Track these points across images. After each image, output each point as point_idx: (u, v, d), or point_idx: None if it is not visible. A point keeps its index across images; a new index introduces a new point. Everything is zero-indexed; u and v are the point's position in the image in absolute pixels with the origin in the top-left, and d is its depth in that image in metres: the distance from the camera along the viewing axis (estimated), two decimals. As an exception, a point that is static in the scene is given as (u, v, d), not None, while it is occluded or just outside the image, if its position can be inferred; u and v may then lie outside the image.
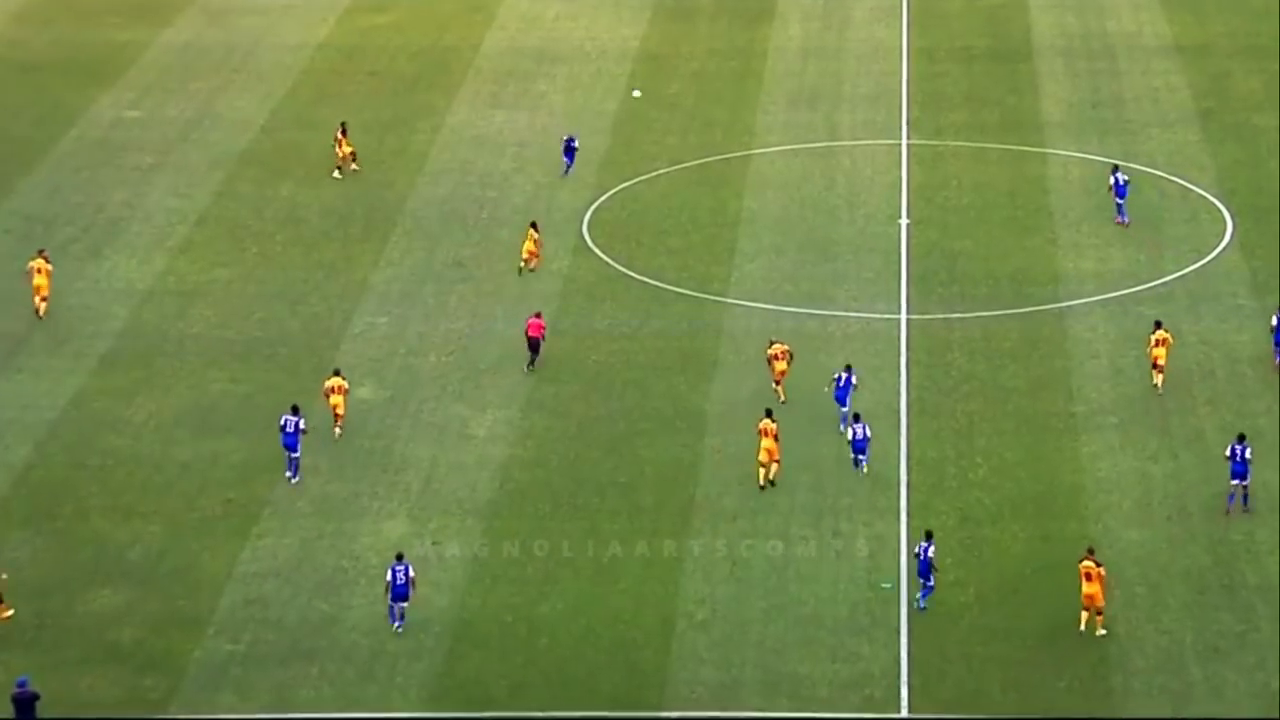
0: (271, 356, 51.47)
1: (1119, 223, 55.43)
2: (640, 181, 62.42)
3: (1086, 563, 39.15)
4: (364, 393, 49.28)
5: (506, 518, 43.89)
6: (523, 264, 55.42)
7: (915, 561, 40.14)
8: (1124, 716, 36.88)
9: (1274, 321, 47.37)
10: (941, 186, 61.18)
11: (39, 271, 52.94)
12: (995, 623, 39.70)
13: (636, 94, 69.20)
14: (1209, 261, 54.95)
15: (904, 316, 52.61)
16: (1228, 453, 43.37)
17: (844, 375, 47.15)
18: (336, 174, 62.43)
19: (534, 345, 49.89)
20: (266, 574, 41.92)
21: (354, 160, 62.58)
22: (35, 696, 36.45)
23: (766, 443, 44.27)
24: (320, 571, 42.02)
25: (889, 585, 40.85)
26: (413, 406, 48.80)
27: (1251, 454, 42.99)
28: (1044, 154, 63.24)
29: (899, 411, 47.61)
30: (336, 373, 47.65)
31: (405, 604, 39.55)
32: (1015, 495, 43.98)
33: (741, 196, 61.11)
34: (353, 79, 71.79)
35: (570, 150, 62.20)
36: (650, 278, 55.62)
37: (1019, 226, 57.96)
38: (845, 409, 46.45)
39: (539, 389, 49.44)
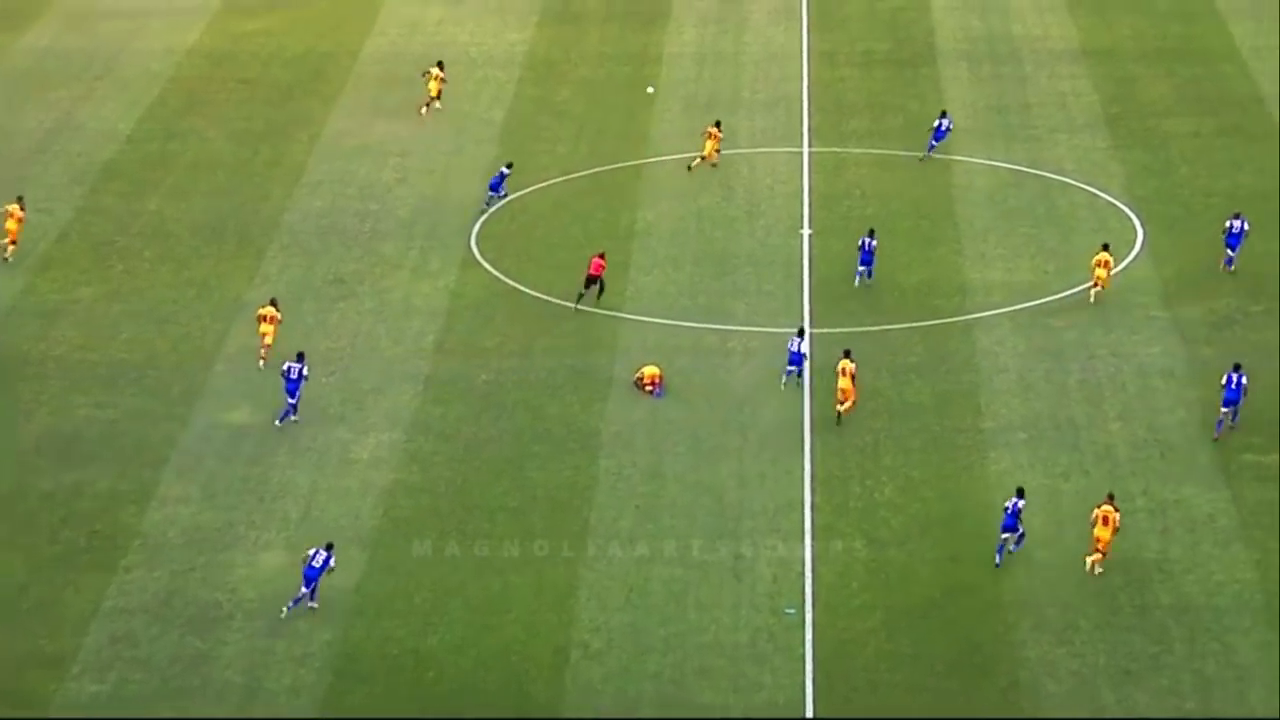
0: (139, 380, 50.91)
1: (1226, 270, 54.88)
2: (530, 193, 62.42)
3: (1105, 507, 41.30)
4: (239, 416, 48.85)
5: (391, 546, 43.64)
6: (702, 161, 60.91)
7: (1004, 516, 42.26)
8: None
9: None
10: (844, 195, 61.67)
11: (10, 216, 52.71)
12: (903, 648, 39.97)
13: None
14: (1119, 272, 55.70)
15: (807, 330, 52.91)
16: (1223, 380, 46.45)
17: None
18: (424, 110, 66.98)
19: (593, 281, 53.36)
20: (134, 609, 41.41)
21: (438, 99, 67.25)
22: None
23: (843, 382, 47.42)
24: (192, 606, 41.56)
25: (793, 611, 41.03)
26: (291, 430, 48.42)
27: (1247, 382, 46.19)
28: (949, 161, 63.90)
29: (802, 430, 47.87)
30: (272, 302, 50.91)
31: (306, 592, 40.41)
32: (923, 515, 44.34)
33: (636, 208, 61.26)
34: (224, 87, 71.27)
35: (500, 180, 61.20)
36: (542, 293, 55.58)
37: (924, 236, 58.50)
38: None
39: (425, 410, 49.27)
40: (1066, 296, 54.27)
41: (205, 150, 65.84)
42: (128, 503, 45.05)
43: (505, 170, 61.49)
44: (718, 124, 63.30)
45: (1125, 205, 60.06)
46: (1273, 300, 53.55)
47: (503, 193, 61.04)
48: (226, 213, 60.97)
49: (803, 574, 42.25)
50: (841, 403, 47.78)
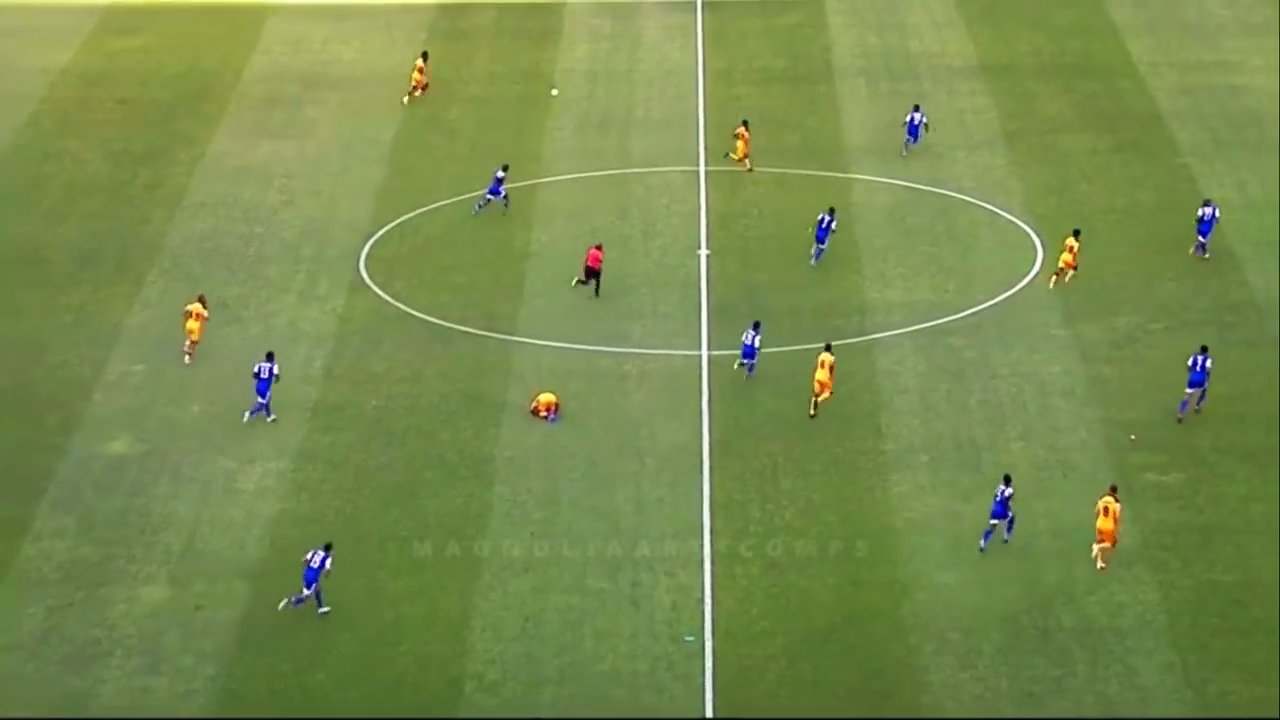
0: (13, 409, 50.24)
1: (1198, 256, 56.97)
2: (421, 214, 62.27)
3: (1107, 498, 42.72)
4: (118, 446, 48.34)
5: (278, 577, 43.28)
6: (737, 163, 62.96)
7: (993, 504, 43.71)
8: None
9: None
10: (741, 215, 61.98)
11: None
12: (805, 675, 40.12)
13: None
14: (1019, 290, 56.35)
15: (704, 353, 53.11)
16: (1189, 362, 48.64)
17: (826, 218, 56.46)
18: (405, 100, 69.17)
19: (591, 273, 55.25)
20: (9, 647, 40.80)
21: (423, 90, 69.66)
22: None
23: (821, 374, 48.99)
24: (69, 643, 41.02)
25: (692, 639, 41.09)
26: (173, 460, 47.97)
27: (1212, 364, 48.31)
28: (848, 179, 64.41)
29: (701, 454, 48.00)
30: (200, 299, 52.71)
31: (308, 593, 41.30)
32: (824, 539, 44.56)
33: (530, 228, 61.27)
34: (101, 107, 70.60)
35: (498, 183, 61.59)
36: (433, 316, 55.43)
37: (823, 257, 58.83)
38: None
39: (313, 438, 48.96)
40: (967, 315, 54.79)
41: (82, 172, 65.19)
42: (2, 536, 44.39)
43: (501, 174, 61.87)
44: (745, 124, 64.46)
45: (1025, 223, 60.76)
46: (1172, 318, 54.33)
47: (503, 194, 61.49)
48: (105, 236, 60.38)
49: (702, 601, 42.33)
50: (817, 395, 49.14)
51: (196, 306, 52.75)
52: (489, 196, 61.56)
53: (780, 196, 63.33)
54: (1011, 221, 60.98)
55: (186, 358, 52.14)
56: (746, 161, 64.12)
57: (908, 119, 65.83)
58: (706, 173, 65.25)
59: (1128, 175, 64.12)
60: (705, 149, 67.07)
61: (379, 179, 64.82)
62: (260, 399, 49.37)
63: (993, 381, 51.20)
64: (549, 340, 53.99)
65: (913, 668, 40.29)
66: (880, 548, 44.18)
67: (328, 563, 41.92)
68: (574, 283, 56.10)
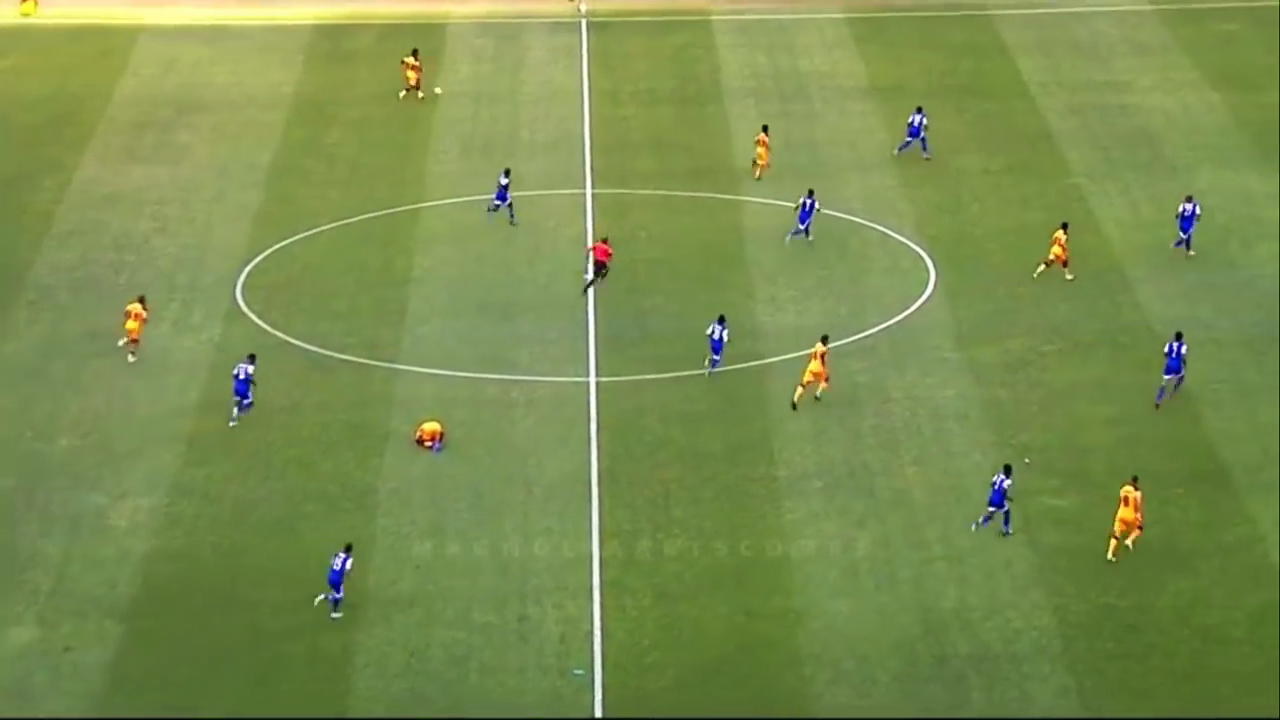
0: (-126, 445, 49.55)
1: (1179, 248, 59.76)
2: (299, 240, 62.00)
3: (1126, 487, 44.41)
4: (-16, 483, 47.77)
5: (152, 617, 42.87)
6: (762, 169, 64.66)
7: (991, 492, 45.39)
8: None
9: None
10: (630, 238, 62.15)
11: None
12: (697, 706, 40.21)
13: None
14: (912, 313, 56.90)
15: (593, 379, 53.22)
16: (1165, 349, 50.74)
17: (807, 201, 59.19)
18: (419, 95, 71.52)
19: (600, 267, 56.67)
20: None
21: (418, 89, 71.89)
22: None
23: (814, 364, 50.53)
24: (-66, 688, 40.43)
25: (581, 672, 41.09)
26: (41, 497, 47.40)
27: (1186, 351, 50.58)
28: (737, 201, 64.82)
29: (589, 482, 48.06)
30: (140, 300, 54.05)
31: (338, 595, 42.52)
32: (715, 568, 44.71)
33: (412, 253, 61.15)
34: (-37, 130, 69.90)
35: (503, 190, 62.46)
36: (313, 344, 55.17)
37: (713, 280, 59.18)
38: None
39: (187, 472, 48.55)
40: (859, 339, 55.24)
41: (-56, 199, 64.47)
42: None
43: (504, 180, 62.27)
44: (765, 129, 66.15)
45: (917, 245, 61.37)
46: (1066, 340, 55.04)
47: (509, 200, 62.06)
48: (-31, 265, 59.68)
49: (591, 633, 42.35)
50: (806, 384, 50.84)
51: (136, 307, 53.96)
52: (497, 202, 62.41)
53: (669, 219, 63.60)
54: (903, 243, 61.58)
55: (130, 357, 53.38)
56: (757, 169, 65.55)
57: (910, 120, 67.25)
58: (593, 195, 65.43)
59: (1019, 195, 64.95)
60: (591, 171, 67.28)
61: (256, 204, 64.48)
62: (244, 399, 50.59)
63: (886, 405, 51.64)
64: (433, 368, 53.88)
65: (807, 697, 40.50)
66: (773, 576, 44.40)
67: (348, 564, 42.83)
68: (584, 290, 57.06)
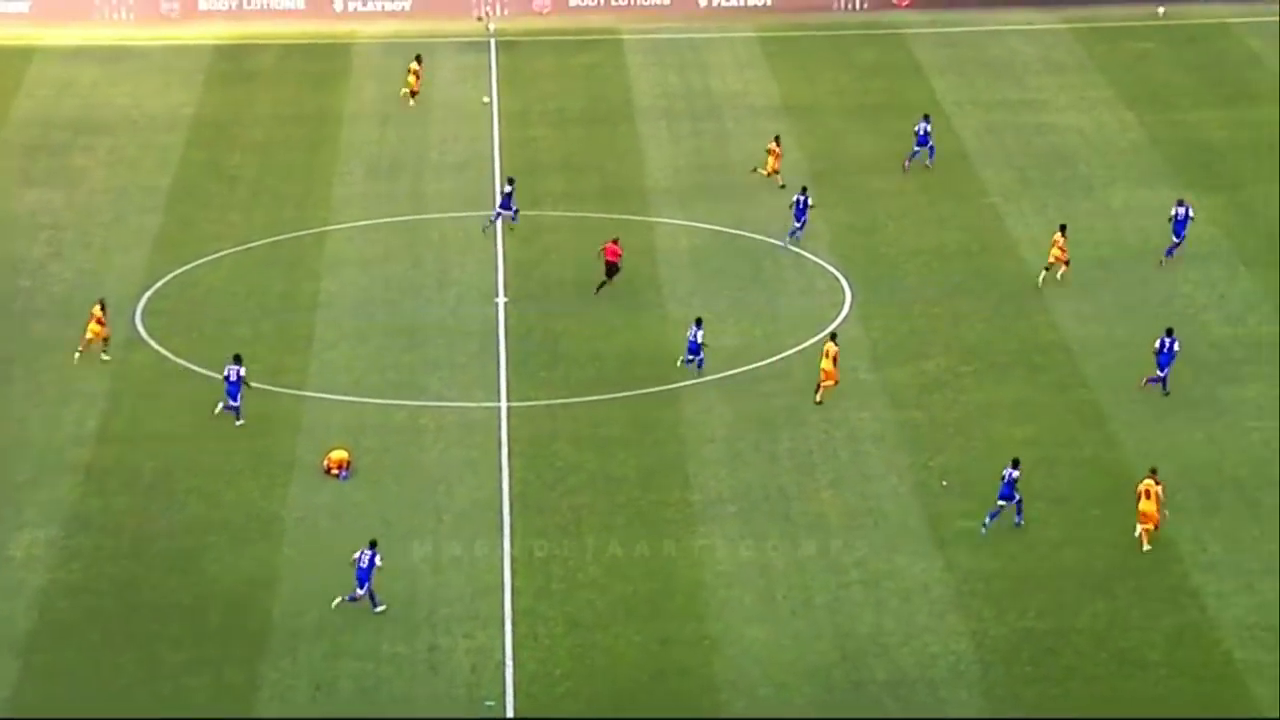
0: None
1: (1168, 258, 61.01)
2: (201, 265, 61.73)
3: (1147, 481, 45.54)
4: (-125, 516, 47.22)
5: (49, 651, 42.50)
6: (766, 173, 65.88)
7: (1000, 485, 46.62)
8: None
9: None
10: (540, 261, 62.30)
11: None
12: (611, 736, 40.34)
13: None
14: (827, 335, 57.15)
15: (503, 404, 53.25)
16: (1156, 345, 52.54)
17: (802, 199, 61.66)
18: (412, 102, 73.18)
19: (612, 268, 58.25)
20: None
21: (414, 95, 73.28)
22: None
23: (825, 364, 52.27)
24: None
25: (492, 704, 41.08)
26: (-66, 529, 47.01)
27: (1179, 347, 52.31)
28: (650, 222, 65.07)
29: (500, 509, 48.08)
30: (102, 306, 54.95)
31: (361, 592, 43.34)
32: (629, 595, 44.81)
33: (318, 277, 61.03)
34: None
35: (507, 199, 63.00)
36: (215, 371, 54.85)
37: (626, 302, 59.36)
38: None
39: (86, 503, 48.21)
40: (775, 361, 55.54)
41: None
42: None
43: (509, 188, 62.89)
44: (777, 139, 67.18)
45: (831, 265, 61.80)
46: (982, 361, 55.56)
47: (513, 209, 62.72)
48: None
49: (503, 663, 42.35)
50: (822, 382, 52.42)
51: (96, 310, 55.01)
52: (499, 211, 62.92)
53: (580, 241, 63.74)
54: (818, 264, 61.99)
55: (76, 355, 54.53)
56: (777, 176, 66.43)
57: (917, 129, 68.20)
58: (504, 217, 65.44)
59: (934, 215, 65.53)
60: (501, 193, 67.30)
61: (155, 228, 64.19)
62: (233, 401, 51.38)
63: (801, 429, 51.95)
64: (340, 394, 53.76)
65: (723, 726, 40.69)
66: (688, 602, 44.53)
67: (377, 559, 43.44)
68: (596, 290, 58.58)
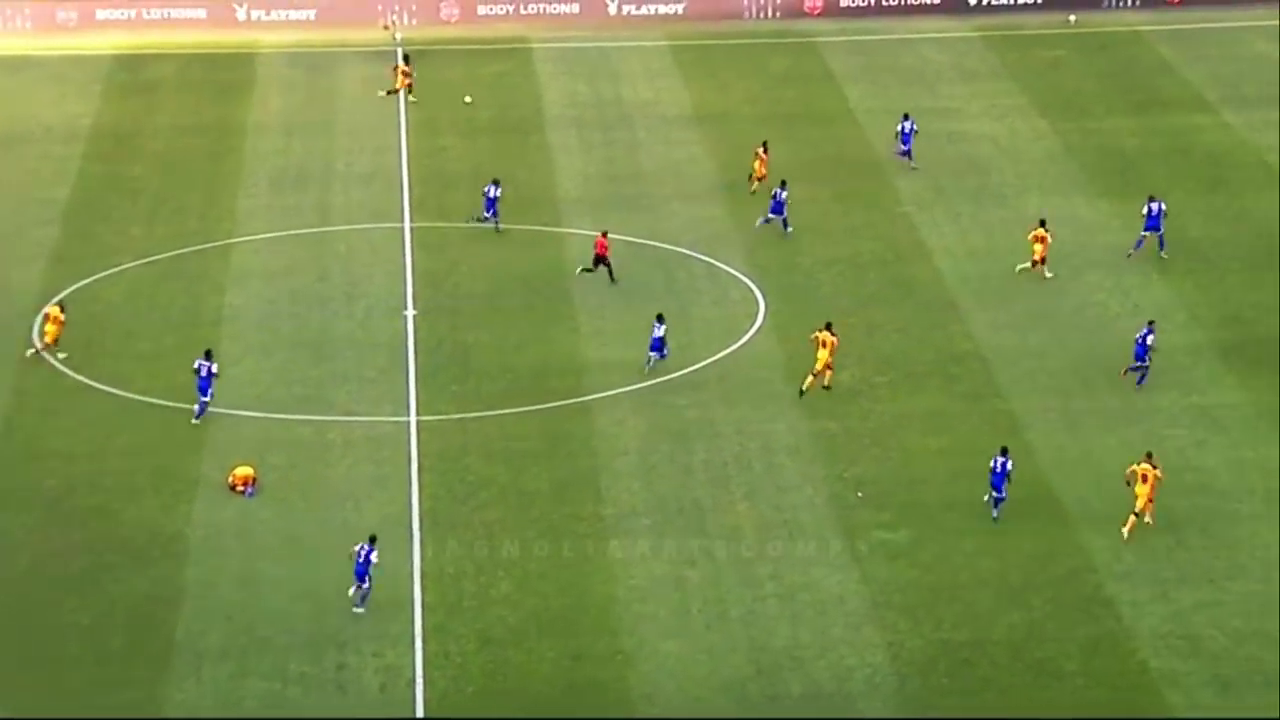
0: None
1: (1138, 249, 62.33)
2: (100, 279, 61.25)
3: (1144, 465, 46.81)
4: None
5: (-54, 676, 42.14)
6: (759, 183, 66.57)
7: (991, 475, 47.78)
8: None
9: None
10: (450, 273, 62.20)
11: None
12: (524, 754, 40.31)
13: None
14: (741, 346, 57.46)
15: (413, 418, 53.11)
16: (1137, 337, 54.14)
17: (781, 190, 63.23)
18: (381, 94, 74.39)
19: (600, 260, 59.79)
20: None
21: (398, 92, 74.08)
22: None
23: (822, 354, 53.14)
24: None
25: (403, 722, 41.00)
26: None
27: (1154, 340, 54.05)
28: (560, 234, 65.10)
29: (410, 525, 47.94)
30: (60, 306, 55.83)
31: (364, 585, 44.04)
32: (542, 611, 44.77)
33: (223, 291, 60.70)
34: None
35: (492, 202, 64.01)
36: (116, 387, 54.51)
37: (538, 314, 59.36)
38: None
39: (-16, 523, 47.80)
40: (688, 373, 55.66)
41: None
42: None
43: (495, 192, 63.83)
44: (765, 145, 67.68)
45: (746, 276, 62.00)
46: (898, 371, 55.87)
47: (494, 213, 63.84)
48: None
49: (413, 681, 42.20)
50: (818, 374, 53.50)
51: (54, 310, 56.06)
52: (486, 215, 63.80)
53: (491, 252, 63.70)
54: (732, 274, 62.18)
55: (29, 351, 55.48)
56: (754, 182, 67.03)
57: (899, 129, 69.29)
58: (412, 229, 65.36)
59: (848, 224, 65.88)
60: (410, 205, 67.22)
61: (52, 242, 63.67)
62: (203, 397, 52.10)
63: (716, 441, 52.07)
64: (245, 410, 53.46)
65: (637, 742, 40.73)
66: (602, 617, 44.55)
67: (374, 555, 44.11)
68: (579, 270, 60.42)
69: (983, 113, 75.86)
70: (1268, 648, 43.28)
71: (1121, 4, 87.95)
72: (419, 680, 42.23)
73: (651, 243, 64.01)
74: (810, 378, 53.75)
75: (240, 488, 49.12)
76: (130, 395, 54.09)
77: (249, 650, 43.16)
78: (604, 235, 60.85)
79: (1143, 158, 71.59)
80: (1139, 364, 54.23)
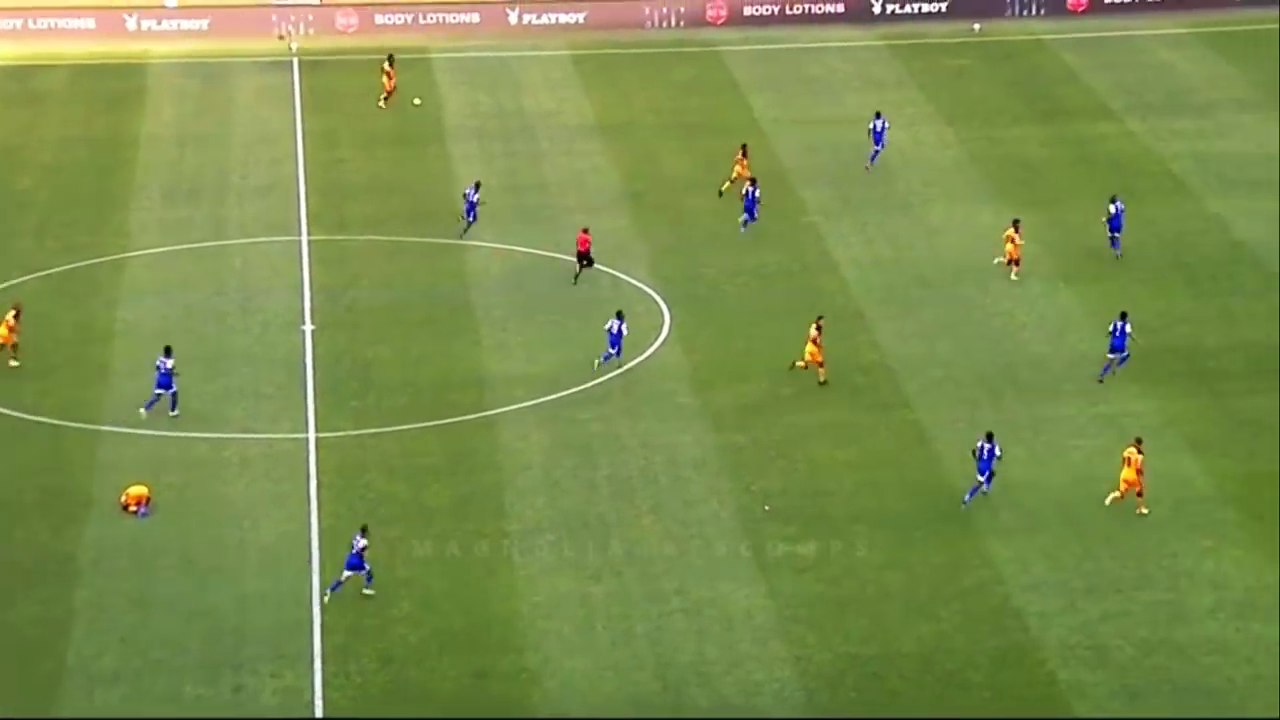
0: None
1: (1116, 254, 63.71)
2: (-12, 294, 60.72)
3: (1130, 449, 48.19)
4: None
5: None
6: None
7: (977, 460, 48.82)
8: None
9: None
10: (349, 286, 61.97)
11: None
12: (427, 776, 40.15)
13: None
14: (646, 358, 57.51)
15: (311, 435, 52.86)
16: (1110, 328, 55.20)
17: None
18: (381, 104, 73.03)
19: (583, 258, 61.15)
20: None
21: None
22: None
23: (810, 347, 55.05)
24: None
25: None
26: None
27: (1132, 329, 54.85)
28: (461, 246, 64.97)
29: (308, 543, 47.67)
30: (16, 313, 55.82)
31: (350, 574, 45.16)
32: (444, 629, 44.63)
33: (115, 306, 60.24)
34: None
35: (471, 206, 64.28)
36: (4, 406, 53.94)
37: (439, 328, 59.24)
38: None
39: None
40: (592, 386, 55.66)
41: None
42: None
43: (474, 196, 64.30)
44: (744, 149, 67.95)
45: (650, 287, 62.09)
46: (802, 384, 56.04)
47: (473, 215, 64.21)
48: None
49: (312, 702, 41.95)
50: (806, 364, 55.27)
51: (9, 316, 55.90)
52: (469, 220, 64.29)
53: (391, 265, 63.52)
54: (636, 286, 62.26)
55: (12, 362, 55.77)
56: (727, 183, 67.46)
57: (871, 127, 70.66)
58: (310, 242, 65.08)
59: (754, 235, 66.05)
60: (307, 217, 66.92)
61: (-64, 256, 63.10)
62: (162, 390, 52.97)
63: (621, 455, 52.10)
64: (138, 428, 53.01)
65: (542, 761, 40.66)
66: (505, 634, 44.45)
67: (363, 542, 45.26)
68: (575, 279, 61.29)
69: (889, 122, 76.27)
70: (1175, 657, 43.73)
71: (1026, 13, 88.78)
72: (318, 701, 41.99)
73: (554, 254, 63.95)
74: (803, 365, 55.33)
75: (133, 508, 48.69)
76: (17, 414, 53.55)
77: (143, 673, 42.78)
78: (585, 231, 61.71)
79: (1048, 166, 72.28)
80: (1119, 353, 55.21)
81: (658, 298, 61.40)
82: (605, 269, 63.30)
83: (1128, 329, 55.20)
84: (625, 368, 56.60)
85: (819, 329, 55.29)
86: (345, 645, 43.87)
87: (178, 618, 44.66)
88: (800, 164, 72.00)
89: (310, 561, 46.90)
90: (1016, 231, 62.06)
